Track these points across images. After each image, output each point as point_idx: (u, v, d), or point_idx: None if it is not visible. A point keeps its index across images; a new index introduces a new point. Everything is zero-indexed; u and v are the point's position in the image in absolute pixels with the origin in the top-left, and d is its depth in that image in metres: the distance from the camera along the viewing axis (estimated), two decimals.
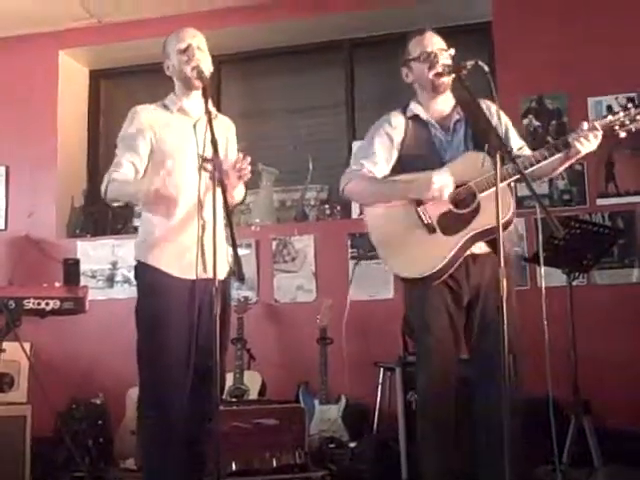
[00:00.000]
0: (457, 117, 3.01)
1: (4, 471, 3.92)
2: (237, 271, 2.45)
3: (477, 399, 2.90)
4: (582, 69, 4.76)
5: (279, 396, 4.43)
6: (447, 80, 2.95)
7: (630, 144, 4.65)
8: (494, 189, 2.53)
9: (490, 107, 2.98)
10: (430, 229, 2.86)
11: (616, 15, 4.79)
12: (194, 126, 2.95)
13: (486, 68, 2.72)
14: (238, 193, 3.04)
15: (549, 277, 3.09)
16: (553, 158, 2.85)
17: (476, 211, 2.82)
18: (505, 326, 2.37)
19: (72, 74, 5.97)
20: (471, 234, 2.82)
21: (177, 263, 2.88)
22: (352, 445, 4.22)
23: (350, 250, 5.01)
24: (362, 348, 4.52)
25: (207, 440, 2.86)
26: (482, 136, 2.82)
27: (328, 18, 5.41)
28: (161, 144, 2.95)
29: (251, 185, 5.39)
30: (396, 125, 3.03)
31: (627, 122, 2.83)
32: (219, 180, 2.66)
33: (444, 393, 2.86)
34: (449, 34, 5.31)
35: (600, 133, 2.81)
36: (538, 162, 2.81)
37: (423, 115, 3.02)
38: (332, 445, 4.22)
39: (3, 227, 5.66)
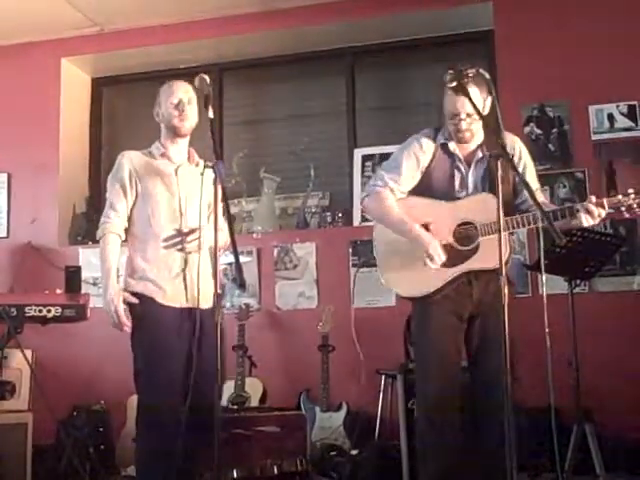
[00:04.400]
0: (480, 155, 3.07)
1: (6, 478, 3.91)
2: (238, 278, 2.47)
3: (478, 408, 2.98)
4: (583, 77, 4.77)
5: (280, 403, 4.42)
6: (469, 134, 3.02)
7: (631, 153, 4.67)
8: (496, 236, 2.65)
9: (514, 142, 3.08)
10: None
11: (617, 24, 4.81)
12: (176, 171, 3.15)
13: (487, 76, 2.75)
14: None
15: (551, 285, 3.08)
16: (557, 222, 2.82)
17: (474, 251, 2.96)
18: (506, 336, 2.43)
19: (74, 81, 5.99)
20: (464, 271, 2.97)
21: (166, 293, 3.05)
22: (354, 452, 4.21)
23: (352, 257, 5.02)
24: (364, 355, 4.51)
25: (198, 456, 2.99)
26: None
27: (330, 26, 5.42)
28: (145, 186, 3.13)
29: (253, 193, 5.45)
30: (426, 150, 3.10)
31: (635, 206, 2.84)
32: (222, 187, 2.71)
33: (446, 400, 2.96)
34: (451, 42, 5.45)
35: (605, 212, 2.84)
36: (541, 221, 2.80)
37: (451, 146, 3.08)
38: (333, 452, 4.22)
39: (5, 234, 5.66)
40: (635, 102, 4.73)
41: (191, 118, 3.14)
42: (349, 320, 4.64)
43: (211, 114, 2.84)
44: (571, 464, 3.49)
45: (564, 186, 4.70)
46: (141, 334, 3.03)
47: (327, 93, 5.81)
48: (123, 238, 3.16)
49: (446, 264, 2.97)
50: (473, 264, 2.96)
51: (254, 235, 5.19)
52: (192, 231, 3.07)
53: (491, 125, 2.78)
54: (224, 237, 3.03)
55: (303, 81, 5.92)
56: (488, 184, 3.01)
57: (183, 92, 3.15)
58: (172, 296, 3.05)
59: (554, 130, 4.86)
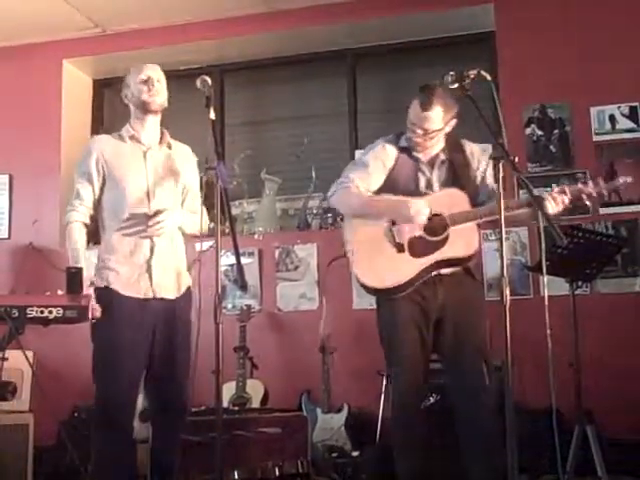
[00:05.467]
0: (442, 157, 3.19)
1: (7, 479, 3.92)
2: (239, 279, 2.47)
3: (457, 406, 3.07)
4: (585, 78, 4.77)
5: (282, 405, 4.42)
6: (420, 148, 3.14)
7: (632, 154, 4.67)
8: (465, 225, 2.99)
9: (474, 150, 3.22)
10: (399, 248, 3.08)
11: (618, 25, 4.81)
12: (144, 154, 3.13)
13: (489, 77, 2.78)
14: (193, 226, 3.19)
15: (552, 286, 3.09)
16: (523, 211, 3.03)
17: (444, 241, 3.04)
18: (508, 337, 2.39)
19: (76, 83, 5.99)
20: (434, 260, 3.05)
21: (128, 283, 3.06)
22: (355, 454, 4.21)
23: None
24: (365, 356, 4.51)
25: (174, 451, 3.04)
26: (461, 176, 3.12)
27: (331, 28, 5.42)
28: (112, 171, 3.11)
29: (254, 194, 5.45)
30: (389, 153, 3.20)
31: (594, 194, 3.00)
32: (222, 188, 2.70)
33: (413, 401, 3.07)
34: (452, 44, 5.45)
35: (567, 198, 2.97)
36: (511, 209, 2.94)
37: (413, 152, 3.19)
38: (335, 454, 4.22)
39: (7, 236, 5.66)
40: (636, 103, 4.73)
41: (161, 94, 3.13)
42: (350, 321, 4.64)
43: (212, 115, 2.84)
44: (572, 465, 3.49)
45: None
46: (98, 326, 3.05)
47: (328, 94, 5.81)
48: (88, 224, 3.18)
49: (416, 255, 3.04)
50: (444, 253, 3.03)
51: (255, 236, 5.19)
52: (156, 214, 3.03)
53: (492, 127, 2.81)
54: (197, 222, 3.05)
55: (304, 82, 5.92)
56: (452, 183, 3.13)
57: (152, 71, 3.16)
58: (133, 286, 3.04)
59: (555, 131, 4.86)
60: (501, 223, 2.61)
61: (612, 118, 4.75)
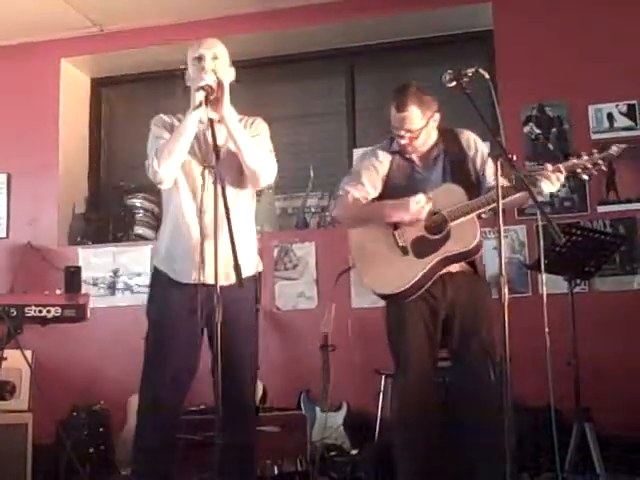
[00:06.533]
0: (436, 153, 3.17)
1: (5, 479, 3.92)
2: (237, 278, 2.44)
3: (462, 405, 3.06)
4: (583, 77, 4.77)
5: (281, 403, 4.43)
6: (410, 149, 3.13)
7: (631, 152, 4.67)
8: (464, 218, 2.95)
9: (469, 137, 3.19)
10: (404, 251, 3.07)
11: (616, 23, 4.81)
12: (197, 137, 2.91)
13: (487, 76, 2.77)
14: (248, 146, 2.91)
15: (550, 284, 3.10)
16: (519, 195, 2.94)
17: (446, 238, 3.03)
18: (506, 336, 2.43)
19: (74, 82, 5.99)
20: (440, 258, 3.02)
21: (180, 269, 2.89)
22: (354, 452, 4.21)
23: (351, 257, 5.00)
24: (364, 355, 4.52)
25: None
26: (458, 169, 3.11)
27: (329, 27, 5.42)
28: None
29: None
30: (382, 160, 3.20)
31: (589, 166, 2.96)
32: (221, 187, 2.65)
33: (420, 400, 3.02)
34: (450, 42, 5.45)
35: (563, 175, 2.93)
36: (506, 195, 2.88)
37: (405, 154, 3.17)
38: (334, 452, 4.22)
39: (5, 235, 5.65)
40: (634, 101, 4.73)
41: (218, 72, 2.87)
42: (349, 320, 4.64)
43: (210, 114, 2.82)
44: (571, 463, 3.49)
45: (563, 186, 4.68)
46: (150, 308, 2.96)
47: (326, 93, 5.81)
48: None
49: (421, 255, 3.03)
50: (448, 249, 3.01)
51: None
52: None
53: (489, 125, 2.81)
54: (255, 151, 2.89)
55: (302, 81, 5.91)
56: (450, 177, 3.12)
57: (206, 47, 2.96)
58: (188, 272, 2.87)
59: (553, 130, 4.86)
60: (499, 223, 2.57)
61: (610, 116, 4.76)
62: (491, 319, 3.00)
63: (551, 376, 2.71)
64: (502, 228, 2.58)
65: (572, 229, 3.53)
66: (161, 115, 3.03)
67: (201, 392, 3.10)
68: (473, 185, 3.10)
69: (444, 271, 3.05)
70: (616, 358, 4.30)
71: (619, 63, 4.73)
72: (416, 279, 3.01)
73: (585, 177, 2.99)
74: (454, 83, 2.82)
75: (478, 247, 3.03)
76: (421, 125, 3.05)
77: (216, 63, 2.94)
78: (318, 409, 4.48)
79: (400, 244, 3.08)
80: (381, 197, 3.19)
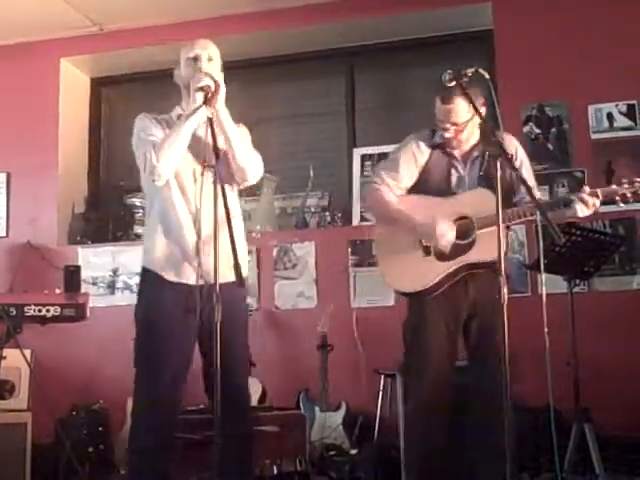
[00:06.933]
0: (476, 153, 3.12)
1: (5, 478, 3.92)
2: (237, 278, 2.44)
3: (476, 406, 3.03)
4: (582, 77, 4.77)
5: (280, 403, 4.43)
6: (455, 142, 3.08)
7: (630, 152, 4.67)
8: (492, 228, 2.70)
9: (512, 141, 3.13)
10: (426, 251, 3.05)
11: (616, 23, 4.81)
12: (193, 135, 2.89)
13: (486, 75, 2.77)
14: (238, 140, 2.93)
15: (550, 284, 3.09)
16: (552, 213, 2.86)
17: (471, 245, 3.00)
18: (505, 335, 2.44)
19: (73, 82, 5.99)
20: (461, 265, 3.01)
21: (174, 268, 2.87)
22: (353, 452, 4.22)
23: (351, 257, 5.02)
24: (363, 355, 4.52)
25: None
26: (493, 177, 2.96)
27: (329, 26, 5.42)
28: None
29: (252, 192, 5.44)
30: (423, 150, 3.15)
31: (628, 195, 2.89)
32: (221, 187, 2.65)
33: (436, 400, 3.00)
34: (450, 42, 5.45)
35: (599, 201, 2.89)
36: (538, 213, 2.81)
37: (448, 148, 3.13)
38: (333, 452, 4.22)
39: (4, 234, 5.66)
40: (634, 101, 4.73)
41: (213, 74, 2.87)
42: (348, 320, 4.65)
43: (209, 114, 2.82)
44: (570, 463, 3.49)
45: (563, 185, 4.70)
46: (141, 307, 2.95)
47: (326, 93, 5.81)
48: None
49: (442, 258, 3.01)
50: (470, 257, 2.99)
51: (253, 235, 5.18)
52: None
53: (489, 124, 2.81)
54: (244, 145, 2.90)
55: (302, 81, 5.91)
56: (485, 181, 3.05)
57: (201, 48, 2.97)
58: (183, 271, 2.87)
59: (553, 129, 4.86)
60: (498, 222, 2.57)
61: (610, 116, 4.76)
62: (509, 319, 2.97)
63: (550, 376, 2.70)
64: (501, 228, 2.58)
65: (572, 229, 3.52)
66: (145, 113, 3.02)
67: (200, 392, 3.09)
68: (506, 193, 2.97)
69: (463, 274, 3.02)
70: (615, 358, 4.30)
71: (619, 63, 4.73)
72: (434, 282, 3.00)
73: (622, 205, 2.93)
74: (454, 83, 2.82)
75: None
76: (467, 118, 2.98)
77: (211, 64, 2.97)
78: (317, 409, 4.48)
79: (424, 244, 3.06)
80: (413, 188, 3.16)
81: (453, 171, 3.12)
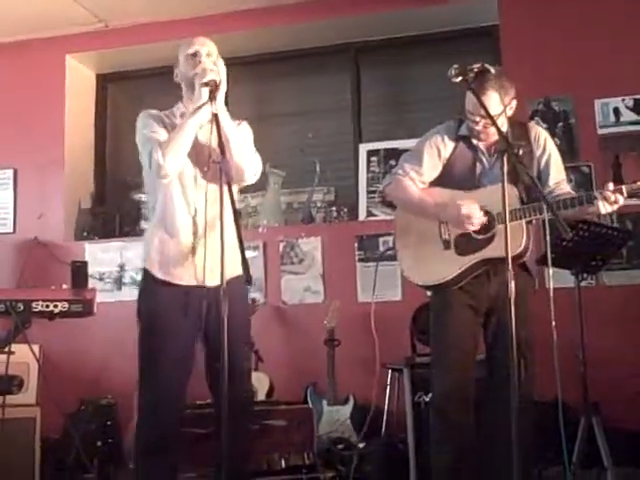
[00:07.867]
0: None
1: (14, 472, 3.93)
2: (244, 274, 2.45)
3: (491, 400, 3.03)
4: (588, 71, 4.76)
5: (287, 397, 4.44)
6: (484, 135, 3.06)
7: (637, 146, 4.66)
8: (514, 223, 2.79)
9: (539, 134, 3.14)
10: (446, 245, 3.06)
11: (622, 17, 4.80)
12: (195, 138, 2.92)
13: (493, 70, 2.76)
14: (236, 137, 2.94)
15: (557, 278, 3.08)
16: (574, 210, 2.90)
17: (490, 240, 2.98)
18: (514, 328, 2.50)
19: (79, 78, 6.00)
20: (479, 259, 3.01)
21: (173, 269, 2.91)
22: (360, 446, 4.22)
23: (357, 252, 5.02)
24: (371, 349, 4.52)
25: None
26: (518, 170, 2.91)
27: (334, 22, 5.42)
28: None
29: (258, 187, 5.45)
30: (447, 142, 3.14)
31: None
32: (227, 183, 2.66)
33: (461, 391, 3.01)
34: (456, 37, 5.44)
35: (623, 198, 2.84)
36: (563, 208, 2.87)
37: (473, 140, 3.11)
38: (340, 446, 4.22)
39: (11, 230, 5.68)
40: None
41: (210, 69, 2.85)
42: (355, 314, 4.65)
43: (215, 109, 2.82)
44: (578, 457, 3.49)
45: (570, 180, 4.65)
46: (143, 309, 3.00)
47: (332, 89, 5.81)
48: None
49: (462, 252, 3.01)
50: (488, 252, 2.98)
51: (260, 230, 5.20)
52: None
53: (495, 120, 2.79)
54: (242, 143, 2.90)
55: (308, 77, 5.92)
56: (509, 175, 2.95)
57: (200, 44, 2.98)
58: (182, 273, 2.91)
59: (560, 124, 4.85)
60: (505, 217, 2.58)
61: (616, 111, 4.75)
62: (532, 317, 2.98)
63: (558, 370, 2.70)
64: (508, 225, 2.58)
65: (579, 224, 3.51)
66: (148, 110, 3.05)
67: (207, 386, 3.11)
68: (528, 188, 2.99)
69: (484, 268, 3.01)
70: (623, 352, 4.30)
71: (625, 57, 4.72)
72: (452, 276, 3.01)
73: None
74: (460, 78, 2.82)
75: (521, 254, 2.95)
76: (499, 111, 2.92)
77: (209, 60, 2.96)
78: (325, 402, 4.49)
79: (444, 237, 3.06)
80: (437, 180, 3.16)
81: (478, 164, 3.10)
